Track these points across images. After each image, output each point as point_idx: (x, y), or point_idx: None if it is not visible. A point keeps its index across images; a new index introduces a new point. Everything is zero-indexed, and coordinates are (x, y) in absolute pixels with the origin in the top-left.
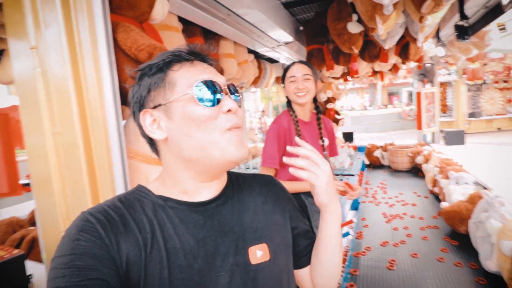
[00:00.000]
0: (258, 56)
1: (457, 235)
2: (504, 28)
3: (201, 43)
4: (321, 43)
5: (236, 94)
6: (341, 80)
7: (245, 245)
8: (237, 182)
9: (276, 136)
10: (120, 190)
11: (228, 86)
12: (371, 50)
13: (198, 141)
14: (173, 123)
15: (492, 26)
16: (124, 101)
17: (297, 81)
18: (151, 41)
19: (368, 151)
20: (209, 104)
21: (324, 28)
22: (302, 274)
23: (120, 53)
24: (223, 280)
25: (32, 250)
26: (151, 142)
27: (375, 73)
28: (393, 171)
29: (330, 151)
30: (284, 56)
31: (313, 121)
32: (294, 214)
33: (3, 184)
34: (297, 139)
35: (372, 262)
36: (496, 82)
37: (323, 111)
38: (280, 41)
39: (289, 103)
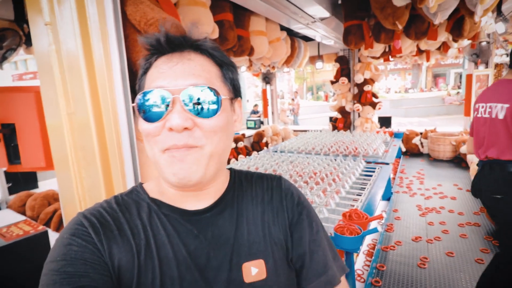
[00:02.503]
0: (292, 34)
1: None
2: None
3: (230, 20)
4: (361, 18)
5: (207, 100)
6: (381, 60)
7: (239, 261)
8: (239, 185)
9: None
10: (129, 174)
11: (191, 93)
12: (418, 25)
13: (150, 156)
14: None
15: None
16: (135, 80)
17: None
18: (161, 14)
19: (406, 138)
20: (151, 118)
21: (365, 2)
22: None
23: (131, 28)
24: None
25: (62, 224)
26: None
27: (420, 52)
28: (433, 160)
29: None
30: (320, 33)
31: None
32: (300, 227)
33: (40, 159)
34: None
35: (401, 258)
36: None
37: (359, 93)
38: (315, 17)
39: None
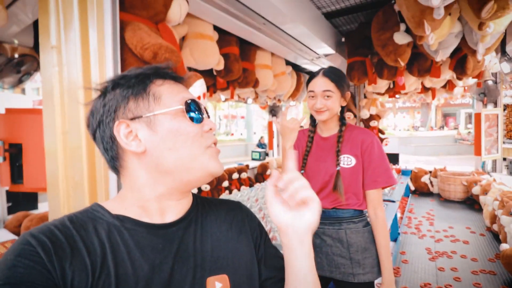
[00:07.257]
0: (298, 69)
1: None
2: None
3: (236, 54)
4: (363, 55)
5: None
6: (387, 97)
7: (204, 275)
8: (202, 206)
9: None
10: (113, 195)
11: (204, 108)
12: (421, 63)
13: (181, 155)
14: (156, 135)
15: None
16: None
17: (316, 98)
18: (157, 40)
19: (414, 176)
20: (196, 122)
21: (367, 40)
22: None
23: (128, 53)
24: None
25: None
26: (114, 157)
27: (425, 89)
28: (443, 200)
29: (368, 179)
30: None
31: (333, 137)
32: (262, 243)
33: (42, 180)
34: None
35: None
36: None
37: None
38: (320, 54)
39: (312, 115)
